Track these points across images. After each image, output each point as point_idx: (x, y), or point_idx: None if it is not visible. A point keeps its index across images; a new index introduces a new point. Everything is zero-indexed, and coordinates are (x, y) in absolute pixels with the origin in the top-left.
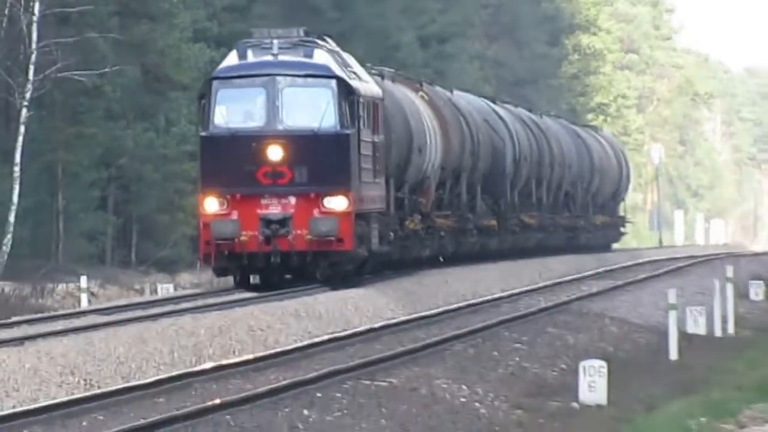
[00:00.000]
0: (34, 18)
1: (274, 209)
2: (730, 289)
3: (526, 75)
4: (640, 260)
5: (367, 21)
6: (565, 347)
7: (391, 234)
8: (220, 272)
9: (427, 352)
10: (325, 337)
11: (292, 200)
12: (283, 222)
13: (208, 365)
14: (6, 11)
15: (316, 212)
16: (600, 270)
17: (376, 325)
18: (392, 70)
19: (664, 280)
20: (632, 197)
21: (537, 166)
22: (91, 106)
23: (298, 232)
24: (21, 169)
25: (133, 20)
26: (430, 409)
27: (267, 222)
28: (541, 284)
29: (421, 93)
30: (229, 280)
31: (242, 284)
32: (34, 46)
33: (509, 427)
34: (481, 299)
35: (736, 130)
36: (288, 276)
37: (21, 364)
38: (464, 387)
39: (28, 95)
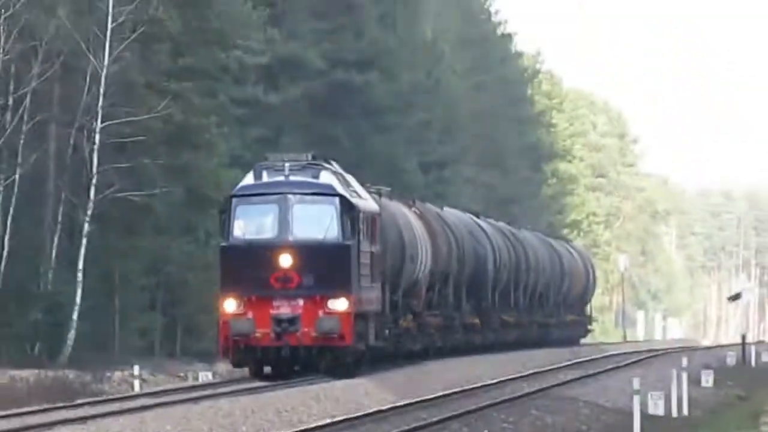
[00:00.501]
0: (95, 146)
1: (284, 310)
2: (684, 377)
3: (511, 196)
4: (607, 353)
5: (377, 149)
6: (544, 426)
7: (387, 331)
8: (237, 364)
9: (429, 430)
10: (341, 418)
11: (300, 302)
12: (292, 321)
13: None
14: (71, 140)
15: (320, 312)
16: (573, 361)
17: (384, 407)
18: (389, 188)
19: (628, 370)
20: (600, 299)
21: (515, 272)
22: (143, 222)
23: (305, 329)
24: (83, 275)
25: (178, 148)
26: None
27: (278, 321)
28: (524, 373)
29: (413, 209)
30: None
31: (257, 374)
32: (95, 170)
33: None
34: (472, 386)
35: (689, 243)
36: (296, 368)
37: None
38: None
39: (89, 212)
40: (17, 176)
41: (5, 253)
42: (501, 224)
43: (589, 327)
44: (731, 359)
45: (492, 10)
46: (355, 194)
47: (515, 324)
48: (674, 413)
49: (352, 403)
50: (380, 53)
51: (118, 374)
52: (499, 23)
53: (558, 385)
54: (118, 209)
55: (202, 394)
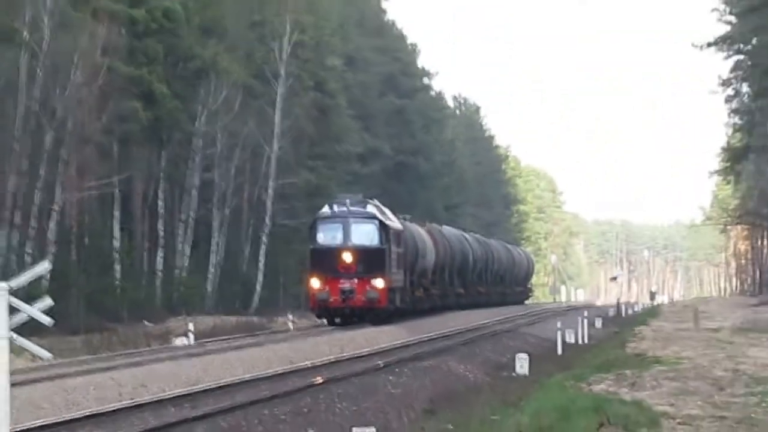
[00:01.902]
0: (269, 198)
1: (347, 285)
2: (585, 322)
3: (493, 222)
4: (544, 308)
5: (422, 199)
6: (510, 348)
7: (407, 298)
8: (319, 317)
9: (438, 347)
10: (398, 343)
11: (355, 281)
12: (351, 292)
13: (347, 354)
14: (255, 196)
15: (368, 287)
16: (526, 313)
17: (409, 341)
18: (409, 216)
19: (556, 318)
20: (541, 279)
21: (485, 263)
22: (295, 238)
23: (359, 297)
24: (264, 265)
25: (314, 201)
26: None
27: (343, 292)
28: (495, 320)
29: (425, 228)
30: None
31: (331, 323)
32: (269, 214)
33: (483, 384)
34: (467, 328)
35: (590, 249)
36: (355, 319)
37: (261, 355)
38: (462, 366)
39: (266, 232)
40: (227, 212)
41: (220, 254)
42: (477, 236)
43: (530, 294)
44: (612, 312)
45: (483, 123)
46: (388, 219)
47: (486, 292)
48: (580, 341)
49: (389, 337)
50: (423, 146)
51: (281, 319)
52: (487, 130)
53: (519, 326)
54: (282, 231)
55: (320, 330)
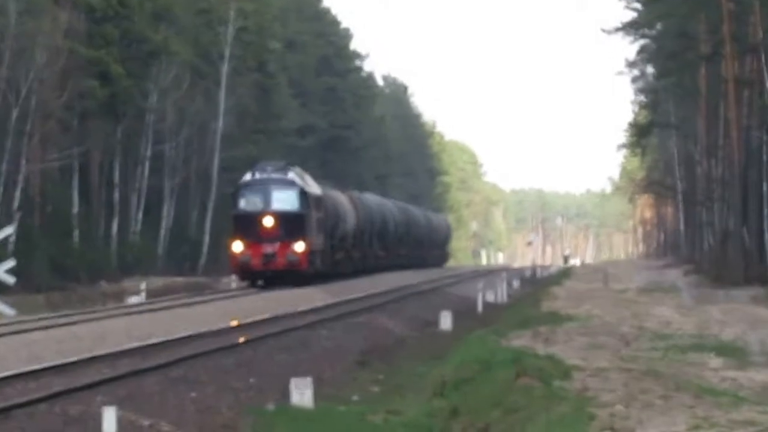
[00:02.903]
0: (215, 167)
1: (268, 249)
2: (504, 282)
3: (418, 193)
4: (466, 271)
5: (353, 170)
6: (434, 306)
7: (328, 261)
8: (242, 280)
9: (374, 309)
10: (331, 302)
11: (277, 245)
12: (272, 255)
13: (281, 312)
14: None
15: (289, 251)
16: (449, 275)
17: (327, 302)
18: (332, 182)
19: (477, 279)
20: (464, 243)
21: (405, 227)
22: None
23: (280, 260)
24: (210, 227)
25: None
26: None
27: (265, 255)
28: (419, 281)
29: (346, 194)
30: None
31: (254, 285)
32: (213, 168)
33: (409, 339)
34: (393, 288)
35: (508, 216)
36: (277, 281)
37: (207, 311)
38: (391, 322)
39: (212, 197)
40: (176, 182)
41: (170, 219)
42: (398, 202)
43: (449, 257)
44: (528, 274)
45: (411, 100)
46: (308, 185)
47: (406, 255)
48: (499, 301)
49: (309, 298)
50: (354, 122)
51: (225, 280)
52: (414, 107)
53: (443, 286)
54: (227, 199)
55: (259, 290)
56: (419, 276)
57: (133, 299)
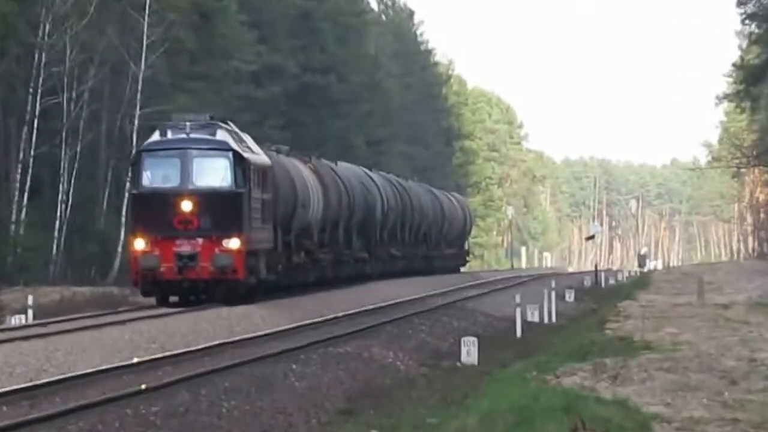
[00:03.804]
0: (134, 127)
1: (185, 248)
2: (553, 294)
3: (430, 164)
4: (498, 277)
5: (335, 131)
6: (451, 329)
7: (279, 266)
8: (145, 294)
9: (366, 334)
10: (305, 322)
11: (199, 241)
12: (192, 257)
13: (230, 336)
14: (118, 123)
15: (217, 250)
16: (473, 283)
17: (274, 330)
18: (287, 147)
19: (514, 289)
20: (495, 238)
21: (401, 215)
22: None
23: (204, 264)
24: (125, 219)
25: None
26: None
27: (180, 257)
28: (431, 292)
29: (309, 165)
30: None
31: (163, 303)
32: (134, 144)
33: (416, 376)
34: (388, 303)
35: (558, 199)
36: (198, 297)
37: (123, 338)
38: (390, 352)
39: (129, 175)
40: (78, 149)
41: (70, 204)
42: (391, 176)
43: (467, 258)
44: (587, 282)
45: (418, 33)
46: (248, 150)
47: (402, 256)
48: (546, 320)
49: (249, 325)
50: (337, 62)
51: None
52: (423, 42)
53: (463, 300)
54: None
55: (203, 304)
56: (426, 285)
57: (15, 320)
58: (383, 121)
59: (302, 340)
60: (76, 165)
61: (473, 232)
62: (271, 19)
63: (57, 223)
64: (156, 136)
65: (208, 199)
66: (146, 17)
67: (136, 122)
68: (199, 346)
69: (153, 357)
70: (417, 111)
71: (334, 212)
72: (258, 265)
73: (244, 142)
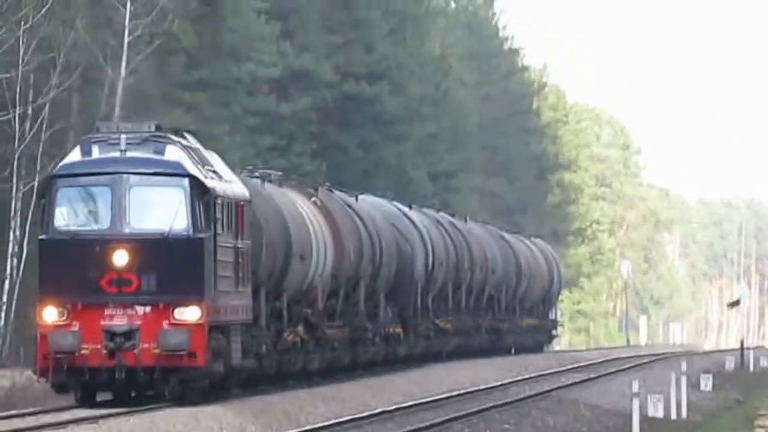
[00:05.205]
0: None
1: (119, 320)
2: (684, 380)
3: (516, 204)
4: (609, 356)
5: (386, 158)
6: (542, 428)
7: (264, 347)
8: (59, 388)
9: None
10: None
11: (139, 310)
12: (128, 334)
13: None
14: None
15: (165, 324)
16: (572, 365)
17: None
18: (279, 173)
19: (630, 374)
20: (604, 305)
21: (454, 270)
22: None
23: (146, 345)
24: None
25: None
26: None
27: (111, 334)
28: (525, 376)
29: (314, 199)
30: None
31: (85, 400)
32: None
33: None
34: (444, 395)
35: (691, 251)
36: (132, 394)
37: None
38: None
39: None
40: (36, 183)
41: (24, 259)
42: (441, 215)
43: (554, 333)
44: (730, 364)
45: (499, 25)
46: (213, 175)
47: (455, 331)
48: (673, 416)
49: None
50: (390, 66)
51: None
52: (506, 38)
53: (560, 387)
54: None
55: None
56: (508, 369)
57: None
58: (453, 146)
59: None
60: (32, 205)
61: (575, 295)
62: (299, 6)
63: (6, 284)
64: (76, 155)
65: (153, 248)
66: (128, 4)
67: None
68: None
69: None
70: (499, 132)
71: (350, 267)
72: (228, 346)
73: (208, 163)
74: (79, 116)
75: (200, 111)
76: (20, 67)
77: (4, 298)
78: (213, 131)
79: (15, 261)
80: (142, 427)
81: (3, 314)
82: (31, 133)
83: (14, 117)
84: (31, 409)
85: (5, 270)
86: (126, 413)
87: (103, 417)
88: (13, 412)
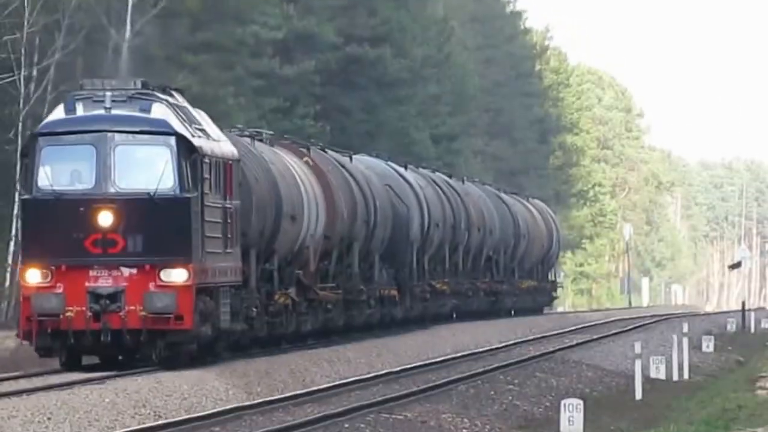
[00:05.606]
0: None
1: (104, 282)
2: (685, 342)
3: (519, 166)
4: (611, 317)
5: (389, 121)
6: (549, 389)
7: (254, 309)
8: (43, 352)
9: (433, 396)
10: (350, 378)
11: (125, 272)
12: (114, 296)
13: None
14: None
15: (151, 286)
16: (576, 325)
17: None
18: (271, 132)
19: (632, 335)
20: (606, 266)
21: (451, 232)
22: None
23: (131, 307)
24: None
25: None
26: None
27: (96, 296)
28: (529, 337)
29: (306, 159)
30: None
31: (70, 365)
32: None
33: None
34: (450, 355)
35: (693, 213)
36: (120, 357)
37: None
38: (466, 420)
39: None
40: None
41: None
42: (436, 175)
43: (555, 295)
44: (731, 325)
45: None
46: (200, 133)
47: (452, 292)
48: (675, 377)
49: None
50: (393, 29)
51: None
52: (509, 1)
53: (563, 348)
54: None
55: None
56: (512, 330)
57: None
58: (455, 108)
59: (334, 406)
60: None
61: (578, 257)
62: None
63: (12, 246)
64: (60, 113)
65: (139, 208)
66: None
67: None
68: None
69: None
70: (501, 95)
71: (343, 228)
72: (217, 308)
73: (196, 122)
74: (83, 78)
75: (204, 73)
76: (25, 28)
77: (9, 260)
78: (217, 93)
79: (19, 222)
80: (148, 387)
81: (9, 275)
82: (36, 95)
83: (19, 79)
84: (37, 369)
85: (10, 231)
86: (132, 374)
87: (109, 378)
88: (20, 372)
